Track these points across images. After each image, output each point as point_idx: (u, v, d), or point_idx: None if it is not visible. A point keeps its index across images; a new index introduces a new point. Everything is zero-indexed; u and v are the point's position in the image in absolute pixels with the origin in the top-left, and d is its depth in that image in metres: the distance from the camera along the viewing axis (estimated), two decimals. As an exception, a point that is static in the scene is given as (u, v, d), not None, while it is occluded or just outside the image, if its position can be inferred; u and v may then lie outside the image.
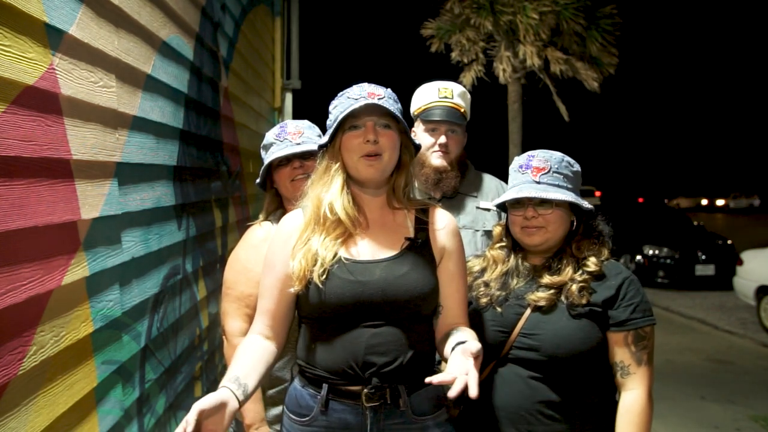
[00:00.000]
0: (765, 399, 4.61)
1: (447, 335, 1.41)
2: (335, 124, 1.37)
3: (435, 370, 1.46)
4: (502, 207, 1.67)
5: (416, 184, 2.02)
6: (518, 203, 1.57)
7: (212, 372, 2.65)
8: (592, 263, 1.53)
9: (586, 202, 1.58)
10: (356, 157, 1.36)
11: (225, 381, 1.24)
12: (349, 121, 1.37)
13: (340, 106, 1.39)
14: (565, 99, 9.40)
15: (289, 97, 5.38)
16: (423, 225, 1.44)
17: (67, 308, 1.28)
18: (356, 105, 1.34)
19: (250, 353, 1.35)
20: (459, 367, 1.18)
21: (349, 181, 1.42)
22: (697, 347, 6.23)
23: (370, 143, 1.35)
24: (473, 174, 2.15)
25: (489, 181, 2.15)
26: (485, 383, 1.57)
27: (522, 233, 1.57)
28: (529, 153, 1.61)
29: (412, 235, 1.42)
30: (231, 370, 1.29)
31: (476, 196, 2.09)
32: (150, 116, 1.85)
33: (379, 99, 1.36)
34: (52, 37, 1.24)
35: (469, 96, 2.13)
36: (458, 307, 1.45)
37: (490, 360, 1.56)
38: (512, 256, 1.63)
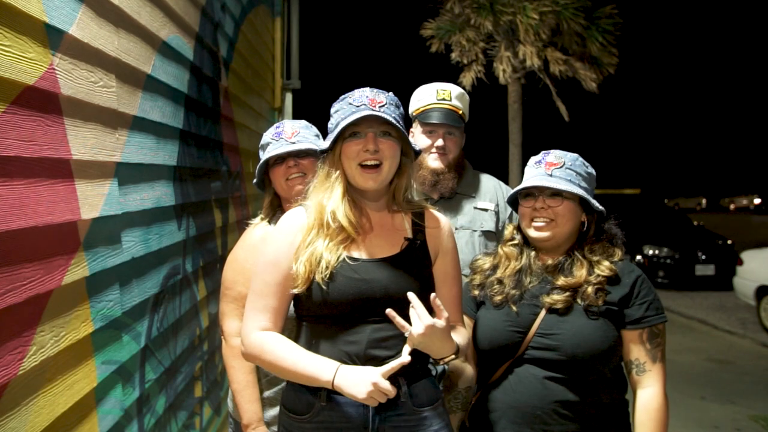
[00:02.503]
0: (765, 399, 4.61)
1: None
2: (336, 132, 1.38)
3: (428, 367, 1.47)
4: (514, 205, 1.68)
5: (414, 185, 2.03)
6: (529, 195, 1.59)
7: (212, 372, 2.65)
8: (606, 268, 1.53)
9: (597, 203, 1.58)
10: (354, 164, 1.38)
11: (330, 365, 1.30)
12: (350, 128, 1.38)
13: (342, 111, 1.40)
14: (565, 99, 9.41)
15: (289, 97, 5.38)
16: (419, 227, 1.47)
17: (67, 308, 1.28)
18: (357, 114, 1.35)
19: (291, 343, 1.38)
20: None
21: (350, 187, 1.43)
22: (697, 347, 6.23)
23: (370, 152, 1.37)
24: (471, 174, 2.15)
25: (487, 181, 2.15)
26: (499, 383, 1.57)
27: (530, 226, 1.58)
28: (545, 151, 1.63)
29: (410, 236, 1.45)
30: (312, 357, 1.33)
31: (474, 197, 2.09)
32: (150, 116, 1.85)
33: (380, 107, 1.37)
34: (52, 37, 1.24)
35: (467, 97, 2.13)
36: (451, 306, 1.46)
37: (505, 359, 1.56)
38: (524, 253, 1.64)
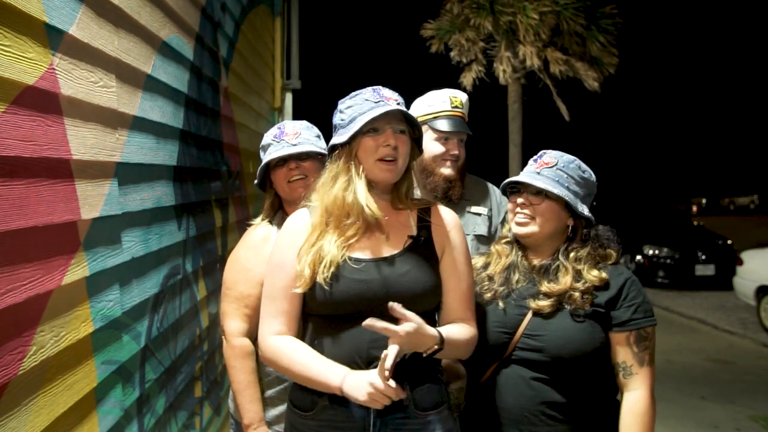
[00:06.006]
0: (765, 399, 4.61)
1: None
2: (356, 126, 1.38)
3: (438, 368, 1.46)
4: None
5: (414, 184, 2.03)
6: (516, 191, 1.62)
7: (212, 372, 2.65)
8: (594, 276, 1.52)
9: (585, 208, 1.57)
10: (372, 160, 1.40)
11: (339, 372, 1.30)
12: (368, 124, 1.38)
13: (357, 107, 1.40)
14: (565, 99, 9.41)
15: (289, 97, 5.38)
16: (425, 223, 1.47)
17: (67, 308, 1.28)
18: (381, 109, 1.36)
19: (304, 347, 1.39)
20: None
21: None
22: (697, 347, 6.23)
23: (390, 147, 1.38)
24: (467, 178, 2.15)
25: (481, 185, 2.15)
26: (488, 384, 1.57)
27: (513, 221, 1.62)
28: (545, 150, 1.65)
29: (415, 233, 1.45)
30: (322, 362, 1.34)
31: (468, 200, 2.09)
32: (150, 116, 1.85)
33: (396, 105, 1.40)
34: (52, 37, 1.24)
35: (469, 104, 2.15)
36: (459, 302, 1.46)
37: (493, 361, 1.56)
38: (514, 250, 1.65)
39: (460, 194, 2.05)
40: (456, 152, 2.00)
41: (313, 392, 1.38)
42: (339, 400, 1.34)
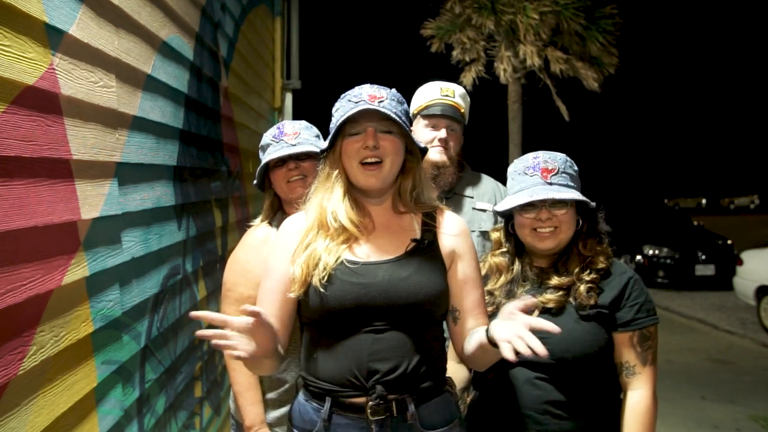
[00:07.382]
0: (765, 399, 4.61)
1: (468, 340, 1.37)
2: (335, 129, 1.35)
3: (445, 379, 1.41)
4: (501, 213, 1.64)
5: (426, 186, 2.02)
6: (530, 205, 1.52)
7: (212, 372, 2.65)
8: (600, 261, 1.53)
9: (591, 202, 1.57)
10: (355, 163, 1.33)
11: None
12: (349, 126, 1.34)
13: (342, 109, 1.36)
14: (565, 99, 9.42)
15: (289, 97, 5.38)
16: (430, 227, 1.40)
17: (67, 308, 1.28)
18: (355, 109, 1.30)
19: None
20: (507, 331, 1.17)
21: (352, 187, 1.38)
22: (697, 347, 6.23)
23: (369, 149, 1.31)
24: (470, 174, 2.15)
25: (485, 181, 2.15)
26: (493, 383, 1.57)
27: (534, 237, 1.54)
28: (532, 155, 1.58)
29: (418, 236, 1.38)
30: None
31: (473, 197, 2.08)
32: (150, 116, 1.85)
33: (380, 102, 1.32)
34: (52, 37, 1.24)
35: (468, 99, 2.13)
36: (475, 309, 1.40)
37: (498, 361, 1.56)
38: (516, 261, 1.61)
39: (450, 183, 2.04)
40: (443, 136, 2.00)
41: (312, 413, 1.32)
42: (336, 421, 1.29)
